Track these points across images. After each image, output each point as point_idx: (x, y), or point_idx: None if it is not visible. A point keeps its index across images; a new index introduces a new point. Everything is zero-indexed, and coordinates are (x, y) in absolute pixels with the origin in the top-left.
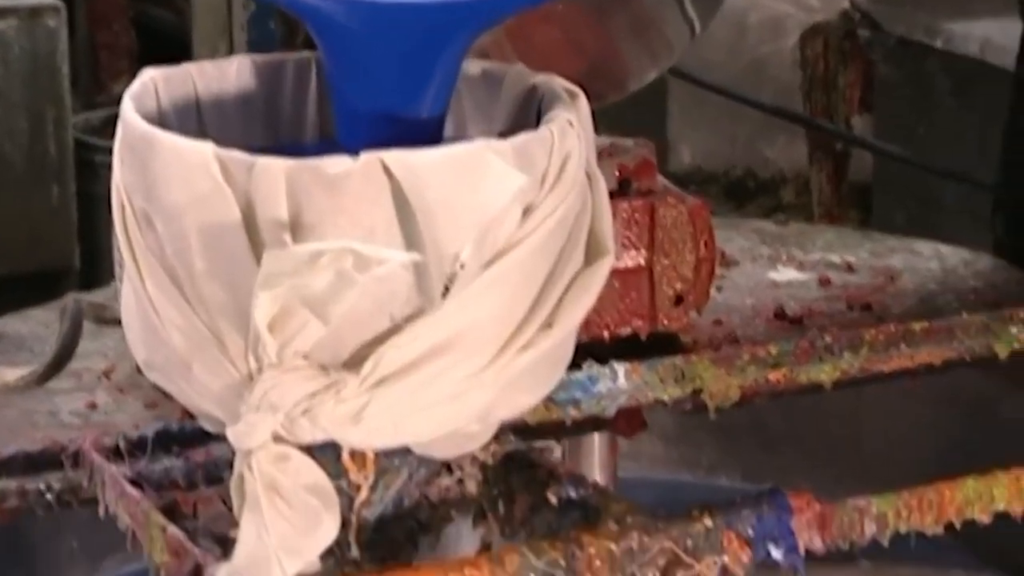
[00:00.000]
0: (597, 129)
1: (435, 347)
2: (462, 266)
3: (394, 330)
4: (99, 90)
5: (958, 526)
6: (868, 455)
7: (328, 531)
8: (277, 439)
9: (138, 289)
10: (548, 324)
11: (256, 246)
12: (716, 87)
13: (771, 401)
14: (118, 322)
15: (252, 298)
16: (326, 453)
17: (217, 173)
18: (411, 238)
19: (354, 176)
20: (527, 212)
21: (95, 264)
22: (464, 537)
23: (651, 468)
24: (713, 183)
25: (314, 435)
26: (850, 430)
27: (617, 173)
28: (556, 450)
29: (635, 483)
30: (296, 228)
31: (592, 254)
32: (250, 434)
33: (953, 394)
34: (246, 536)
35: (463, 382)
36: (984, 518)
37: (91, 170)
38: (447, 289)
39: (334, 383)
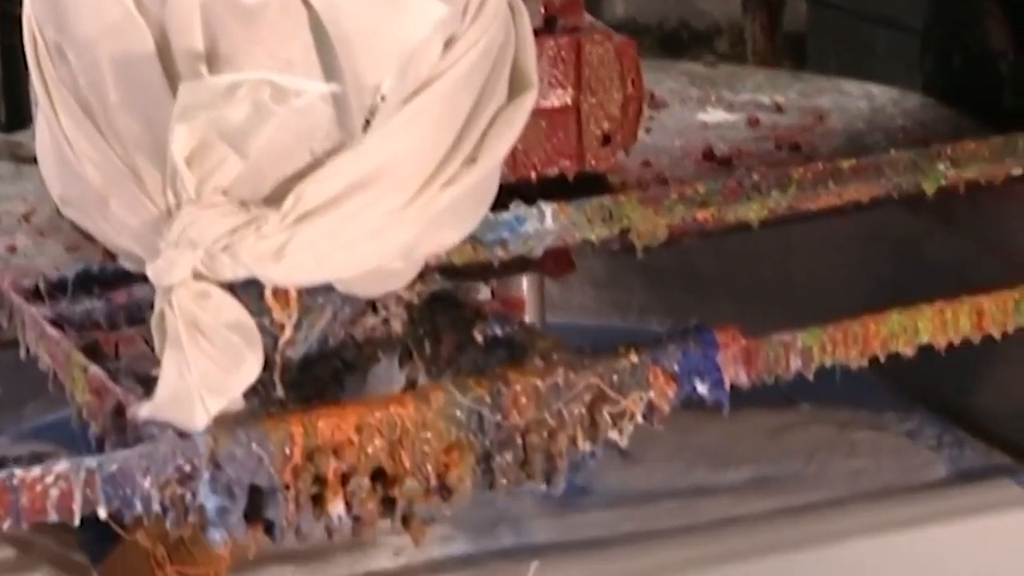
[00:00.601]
0: None
1: (357, 182)
2: (383, 99)
3: (315, 165)
4: None
5: (883, 359)
6: (799, 297)
7: (251, 369)
8: (197, 276)
9: (52, 123)
10: (472, 159)
11: (171, 78)
12: None
13: (701, 245)
14: (34, 160)
15: (168, 131)
16: (248, 291)
17: (129, 2)
18: (330, 70)
19: (271, 6)
20: (449, 44)
21: (18, 116)
22: (390, 377)
23: (581, 314)
24: (647, 35)
25: (235, 272)
26: (780, 273)
27: (543, 10)
28: (483, 290)
29: (565, 329)
30: (212, 59)
31: (516, 88)
32: (169, 270)
33: (881, 233)
34: (168, 374)
35: (385, 218)
36: (908, 351)
37: (11, 23)
38: (368, 123)
39: (254, 219)
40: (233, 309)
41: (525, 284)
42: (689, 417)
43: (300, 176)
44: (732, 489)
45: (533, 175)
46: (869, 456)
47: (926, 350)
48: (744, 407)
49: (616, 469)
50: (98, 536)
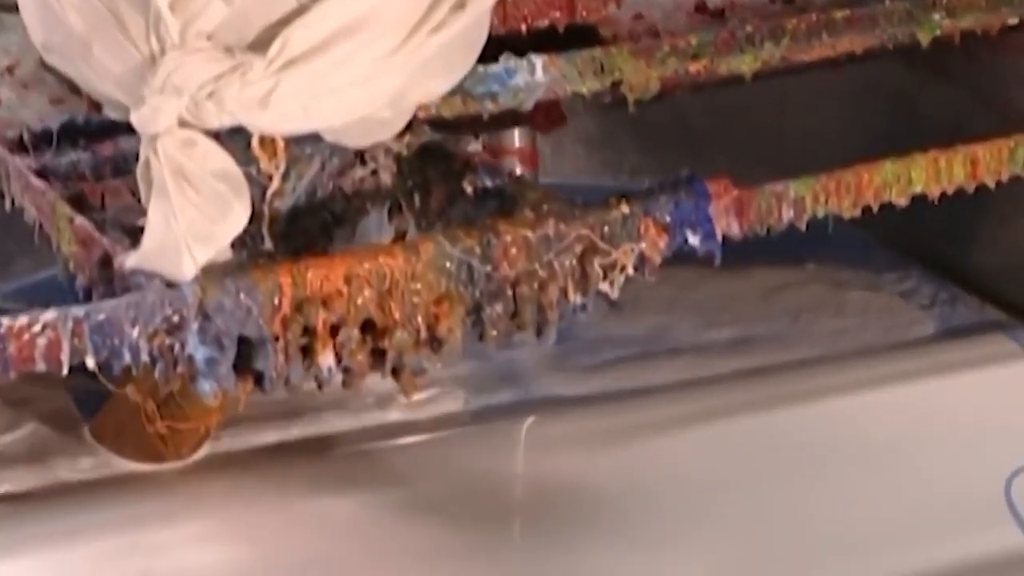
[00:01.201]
0: None
1: (343, 28)
2: None
3: (301, 10)
4: None
5: (879, 215)
6: (793, 152)
7: (238, 218)
8: (183, 124)
9: None
10: (460, 5)
11: None
12: None
13: (694, 101)
14: (16, 8)
15: None
16: (235, 140)
17: None
18: None
19: None
20: None
21: None
22: (379, 229)
23: (573, 174)
24: None
25: (221, 119)
26: (774, 129)
27: None
28: (474, 144)
29: (558, 188)
30: None
31: None
32: (154, 118)
33: (875, 86)
34: (154, 223)
35: (373, 65)
36: (902, 200)
37: None
38: None
39: (240, 65)
40: (219, 157)
41: (517, 140)
42: (692, 273)
43: (286, 21)
44: (714, 348)
45: (523, 27)
46: (856, 315)
47: (926, 211)
48: (747, 265)
49: (606, 323)
50: (88, 394)
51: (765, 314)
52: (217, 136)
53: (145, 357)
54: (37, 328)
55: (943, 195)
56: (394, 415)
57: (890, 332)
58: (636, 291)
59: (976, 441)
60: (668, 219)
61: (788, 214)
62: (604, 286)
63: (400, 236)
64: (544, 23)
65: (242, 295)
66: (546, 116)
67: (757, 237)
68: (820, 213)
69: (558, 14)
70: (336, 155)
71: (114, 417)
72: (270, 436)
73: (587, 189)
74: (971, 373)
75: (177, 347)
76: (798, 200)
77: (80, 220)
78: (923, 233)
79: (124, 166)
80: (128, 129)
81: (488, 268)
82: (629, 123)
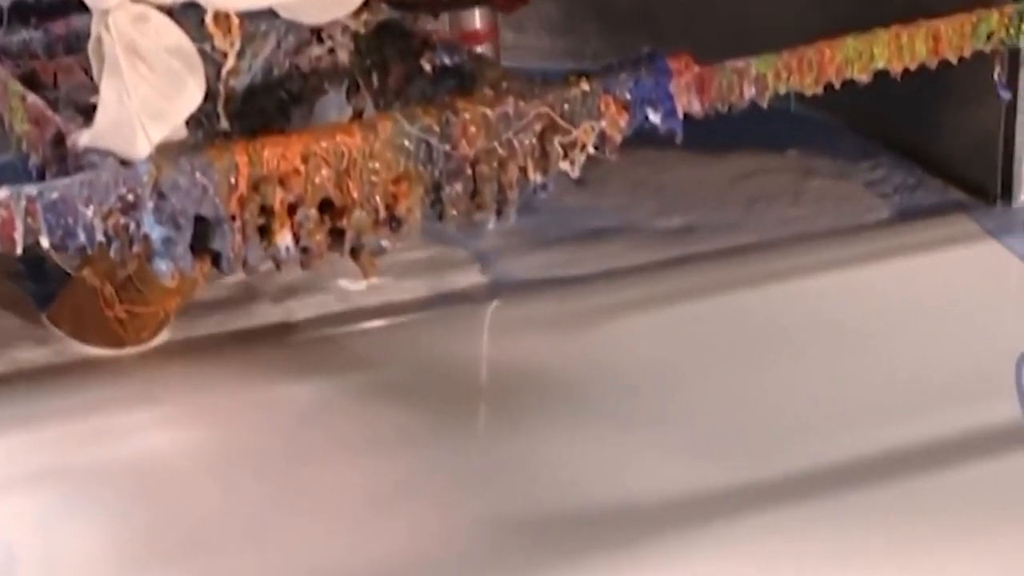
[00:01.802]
0: None
1: None
2: None
3: None
4: None
5: (837, 86)
6: (755, 41)
7: (192, 95)
8: None
9: None
10: None
11: None
12: None
13: None
14: None
15: None
16: (188, 16)
17: None
18: None
19: None
20: None
21: None
22: (337, 108)
23: (537, 60)
24: None
25: None
26: (738, 19)
27: None
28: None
29: (520, 73)
30: None
31: None
32: None
33: None
34: (107, 100)
35: None
36: (864, 77)
37: None
38: None
39: None
40: (173, 33)
41: (478, 21)
42: (666, 156)
43: None
44: (662, 232)
45: None
46: (813, 203)
47: (894, 96)
48: (723, 151)
49: (568, 201)
50: (43, 281)
51: (724, 200)
52: (170, 12)
53: (100, 237)
54: None
55: (909, 76)
56: (356, 299)
57: (844, 218)
58: (605, 171)
59: (943, 320)
60: (628, 96)
61: (749, 91)
62: (565, 165)
63: (358, 115)
64: None
65: (198, 174)
66: None
67: (737, 124)
68: (782, 90)
69: None
70: (292, 32)
71: (72, 301)
72: (231, 322)
73: (550, 75)
74: (929, 254)
75: (132, 227)
76: (759, 77)
77: (32, 98)
78: (890, 117)
79: (76, 44)
80: (80, 6)
81: (447, 147)
82: (592, 8)
